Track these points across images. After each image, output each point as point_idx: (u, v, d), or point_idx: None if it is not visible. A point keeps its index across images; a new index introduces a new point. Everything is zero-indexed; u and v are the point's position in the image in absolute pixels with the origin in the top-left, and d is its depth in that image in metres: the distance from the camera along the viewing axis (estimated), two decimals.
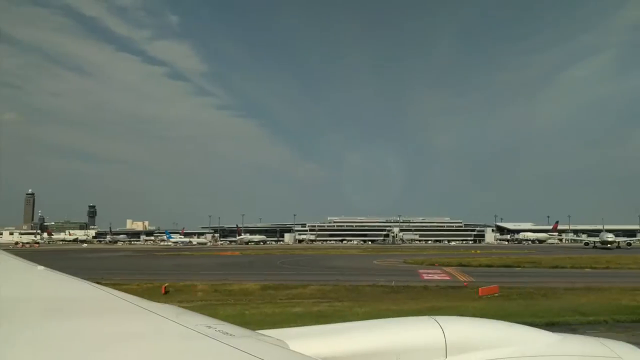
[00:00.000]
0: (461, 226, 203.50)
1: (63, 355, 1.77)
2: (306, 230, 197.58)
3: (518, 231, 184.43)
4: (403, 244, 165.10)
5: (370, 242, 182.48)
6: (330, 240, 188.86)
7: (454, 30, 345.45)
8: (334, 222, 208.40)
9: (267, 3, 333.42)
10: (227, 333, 2.14)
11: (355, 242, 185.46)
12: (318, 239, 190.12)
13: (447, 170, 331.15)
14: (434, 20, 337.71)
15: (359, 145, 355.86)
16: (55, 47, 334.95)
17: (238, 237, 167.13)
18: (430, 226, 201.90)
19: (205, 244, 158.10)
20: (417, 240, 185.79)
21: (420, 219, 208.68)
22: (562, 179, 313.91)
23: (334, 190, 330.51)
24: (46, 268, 4.06)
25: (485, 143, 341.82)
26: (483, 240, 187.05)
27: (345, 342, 2.96)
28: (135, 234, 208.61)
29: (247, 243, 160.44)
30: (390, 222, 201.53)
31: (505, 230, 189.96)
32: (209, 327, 2.27)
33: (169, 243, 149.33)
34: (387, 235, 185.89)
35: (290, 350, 2.39)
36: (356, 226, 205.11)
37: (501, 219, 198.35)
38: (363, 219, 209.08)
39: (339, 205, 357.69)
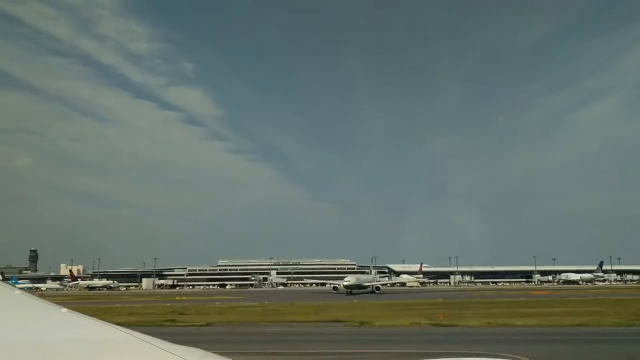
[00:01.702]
0: (353, 268, 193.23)
1: None
2: (181, 275, 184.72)
3: (406, 273, 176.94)
4: (272, 288, 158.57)
5: (249, 286, 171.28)
6: (208, 285, 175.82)
7: (461, 78, 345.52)
8: (219, 265, 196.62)
9: (280, 51, 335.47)
10: None
11: (228, 286, 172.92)
12: (188, 283, 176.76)
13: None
14: (440, 69, 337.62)
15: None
16: (74, 94, 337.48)
17: (72, 283, 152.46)
18: (320, 269, 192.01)
19: (59, 289, 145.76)
20: (290, 283, 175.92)
21: (317, 260, 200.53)
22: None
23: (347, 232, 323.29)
24: (70, 310, 3.94)
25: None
26: None
27: None
28: (57, 279, 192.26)
29: (89, 288, 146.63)
30: (279, 265, 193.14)
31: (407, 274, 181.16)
32: None
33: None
34: (265, 279, 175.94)
35: None
36: (240, 269, 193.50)
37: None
38: (255, 261, 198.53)
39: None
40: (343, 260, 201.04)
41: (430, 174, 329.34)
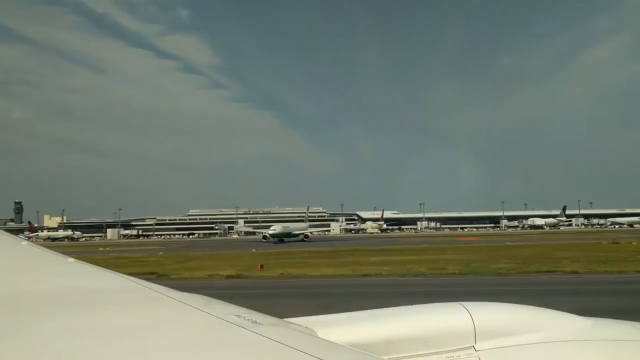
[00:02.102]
0: (323, 216, 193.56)
1: (93, 344, 1.80)
2: (150, 225, 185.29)
3: (372, 220, 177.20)
4: (238, 237, 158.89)
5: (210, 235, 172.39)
6: (175, 235, 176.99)
7: (462, 20, 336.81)
8: (189, 215, 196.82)
9: None
10: (256, 322, 2.11)
11: (192, 236, 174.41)
12: (156, 233, 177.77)
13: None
14: (442, 10, 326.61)
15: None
16: (68, 44, 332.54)
17: (32, 234, 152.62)
18: (290, 217, 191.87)
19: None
20: (258, 232, 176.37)
21: (289, 209, 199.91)
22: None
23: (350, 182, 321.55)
24: (77, 260, 4.13)
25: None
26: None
27: (373, 329, 2.93)
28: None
29: (51, 240, 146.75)
30: (249, 214, 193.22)
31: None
32: (238, 316, 2.25)
33: None
34: (231, 228, 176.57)
35: (319, 338, 2.35)
36: (210, 219, 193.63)
37: (382, 209, 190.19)
38: (226, 210, 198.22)
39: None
40: (315, 208, 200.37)
41: (430, 120, 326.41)
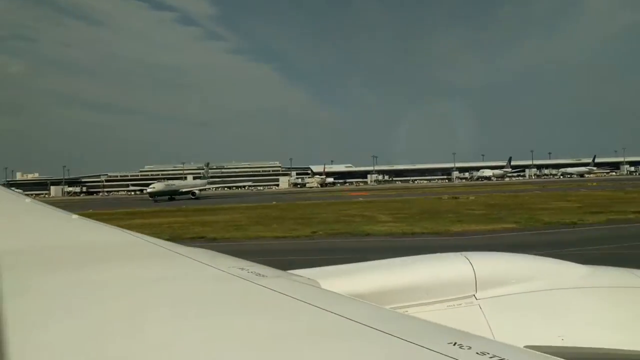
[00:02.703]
0: (278, 171, 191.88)
1: (100, 299, 1.83)
2: (99, 182, 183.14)
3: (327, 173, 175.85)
4: None
5: None
6: (128, 191, 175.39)
7: None
8: (142, 171, 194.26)
9: None
10: (259, 274, 2.15)
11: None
12: (106, 190, 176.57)
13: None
14: None
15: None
16: None
17: None
18: (246, 172, 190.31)
19: None
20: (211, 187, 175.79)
21: (245, 164, 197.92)
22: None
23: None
24: (80, 216, 4.16)
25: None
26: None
27: (376, 279, 2.94)
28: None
29: None
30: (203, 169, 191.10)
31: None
32: (242, 269, 2.28)
33: None
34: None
35: (322, 288, 2.36)
36: (162, 174, 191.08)
37: (332, 161, 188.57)
38: (180, 166, 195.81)
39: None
40: (271, 162, 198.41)
41: (422, 71, 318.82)
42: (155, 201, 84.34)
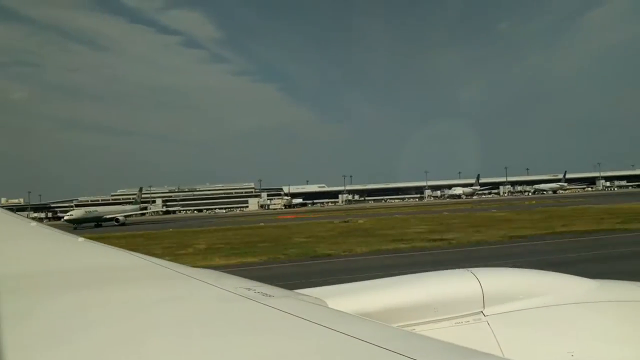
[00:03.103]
0: (251, 192, 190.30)
1: (107, 322, 1.83)
2: (69, 207, 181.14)
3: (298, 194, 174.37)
4: (152, 217, 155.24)
5: None
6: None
7: None
8: (114, 194, 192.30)
9: None
10: (266, 294, 2.14)
11: None
12: None
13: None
14: None
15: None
16: (68, 23, 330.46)
17: None
18: (217, 194, 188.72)
19: None
20: (179, 210, 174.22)
21: (220, 185, 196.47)
22: None
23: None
24: (86, 239, 4.22)
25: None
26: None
27: (383, 298, 2.91)
28: None
29: None
30: (174, 192, 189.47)
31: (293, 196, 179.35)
32: (249, 289, 2.28)
33: None
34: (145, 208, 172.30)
35: (329, 308, 2.35)
36: (132, 198, 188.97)
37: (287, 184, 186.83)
38: (154, 189, 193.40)
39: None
40: (246, 184, 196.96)
41: (424, 90, 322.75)
42: (75, 228, 79.33)
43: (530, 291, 3.03)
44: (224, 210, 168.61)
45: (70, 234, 4.49)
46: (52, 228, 4.82)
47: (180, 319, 1.84)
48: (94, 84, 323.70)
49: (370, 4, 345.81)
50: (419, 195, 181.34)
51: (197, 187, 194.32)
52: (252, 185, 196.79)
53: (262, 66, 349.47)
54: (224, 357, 1.40)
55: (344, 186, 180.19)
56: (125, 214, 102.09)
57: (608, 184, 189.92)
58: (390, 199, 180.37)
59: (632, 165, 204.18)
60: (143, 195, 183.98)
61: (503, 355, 2.68)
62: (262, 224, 62.45)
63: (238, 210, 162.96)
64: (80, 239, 4.19)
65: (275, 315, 1.82)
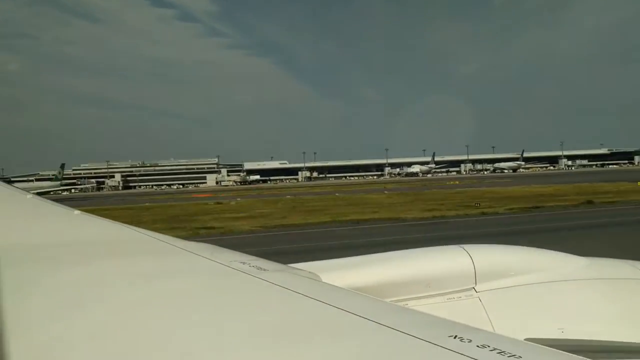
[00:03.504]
0: (213, 168, 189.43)
1: (103, 294, 1.83)
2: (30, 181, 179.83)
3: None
4: (110, 192, 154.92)
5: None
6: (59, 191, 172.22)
7: None
8: (76, 169, 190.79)
9: None
10: (261, 268, 2.16)
11: (66, 192, 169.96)
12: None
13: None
14: None
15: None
16: None
17: None
18: (178, 169, 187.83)
19: None
20: (139, 185, 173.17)
21: (184, 161, 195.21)
22: None
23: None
24: (82, 212, 4.23)
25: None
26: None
27: (376, 273, 2.96)
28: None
29: None
30: (136, 167, 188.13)
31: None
32: (244, 263, 2.29)
33: None
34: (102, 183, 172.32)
35: (322, 282, 2.36)
36: (95, 173, 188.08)
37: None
38: (116, 164, 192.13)
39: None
40: (209, 159, 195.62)
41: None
42: None
43: (521, 268, 3.08)
44: (181, 186, 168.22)
45: (66, 207, 4.49)
46: (47, 200, 4.81)
47: (174, 292, 1.83)
48: (89, 56, 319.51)
49: None
50: (379, 173, 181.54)
51: (160, 162, 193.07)
52: (216, 161, 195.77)
53: (258, 39, 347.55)
54: (218, 330, 1.41)
55: (304, 163, 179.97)
56: (39, 190, 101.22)
57: (570, 162, 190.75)
58: (350, 176, 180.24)
59: (601, 144, 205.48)
60: (100, 170, 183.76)
61: (494, 330, 2.71)
62: (147, 204, 62.05)
63: (192, 187, 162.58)
64: (76, 212, 4.20)
65: (269, 289, 1.82)
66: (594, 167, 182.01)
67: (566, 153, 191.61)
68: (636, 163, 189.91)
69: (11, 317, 1.54)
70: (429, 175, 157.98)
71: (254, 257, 2.46)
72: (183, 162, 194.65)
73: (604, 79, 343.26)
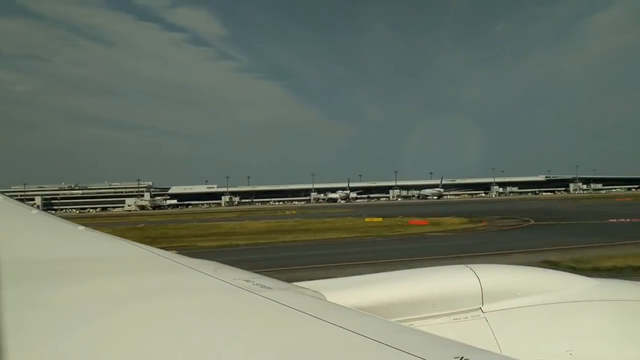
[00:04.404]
0: (142, 191, 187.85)
1: (107, 311, 1.82)
2: None
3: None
4: None
5: None
6: None
7: None
8: (6, 190, 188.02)
9: None
10: (264, 286, 2.14)
11: None
12: None
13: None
14: None
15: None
16: (78, 18, 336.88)
17: None
18: (105, 193, 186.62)
19: None
20: (62, 209, 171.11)
21: (116, 184, 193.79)
22: None
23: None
24: (86, 228, 4.26)
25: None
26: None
27: (382, 292, 2.91)
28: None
29: None
30: (65, 190, 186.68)
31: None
32: (247, 280, 2.27)
33: None
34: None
35: (327, 301, 2.34)
36: (20, 195, 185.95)
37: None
38: (48, 187, 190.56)
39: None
40: (138, 182, 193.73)
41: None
42: None
43: (529, 288, 3.01)
44: (101, 210, 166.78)
45: (71, 223, 4.47)
46: (53, 216, 4.88)
47: (178, 310, 1.82)
48: (101, 78, 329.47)
49: (375, 4, 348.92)
50: (307, 198, 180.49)
51: (91, 185, 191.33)
52: (144, 183, 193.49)
53: (267, 63, 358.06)
54: (222, 349, 1.39)
55: (227, 187, 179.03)
56: None
57: (501, 189, 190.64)
58: (276, 201, 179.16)
59: (548, 171, 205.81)
60: (27, 193, 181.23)
61: (501, 352, 2.67)
62: None
63: (112, 211, 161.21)
64: (81, 228, 4.18)
65: (273, 308, 1.80)
66: (529, 194, 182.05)
67: (500, 180, 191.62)
68: (572, 191, 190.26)
69: (14, 332, 1.52)
70: (353, 202, 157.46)
71: (257, 275, 2.43)
72: (114, 185, 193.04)
73: (553, 107, 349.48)
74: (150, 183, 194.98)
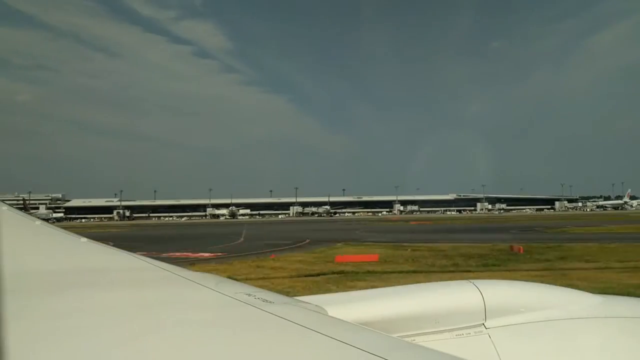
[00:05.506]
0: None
1: (108, 323, 1.83)
2: None
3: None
4: None
5: None
6: None
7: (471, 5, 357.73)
8: None
9: None
10: (266, 300, 2.13)
11: None
12: None
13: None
14: None
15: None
16: (86, 30, 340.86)
17: None
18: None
19: None
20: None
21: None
22: None
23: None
24: (89, 240, 4.30)
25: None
26: None
27: (384, 307, 2.88)
28: None
29: None
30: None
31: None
32: (249, 294, 2.26)
33: None
34: None
35: (329, 316, 2.33)
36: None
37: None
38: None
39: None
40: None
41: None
42: None
43: (533, 304, 2.98)
44: None
45: (74, 235, 4.51)
46: (56, 227, 4.86)
47: (179, 324, 1.82)
48: (107, 89, 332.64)
49: (378, 18, 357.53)
50: (203, 214, 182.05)
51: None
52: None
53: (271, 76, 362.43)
54: None
55: (121, 202, 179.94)
56: None
57: (402, 208, 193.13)
58: (177, 216, 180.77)
59: (472, 189, 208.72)
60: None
61: None
62: None
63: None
64: (84, 239, 4.23)
65: (274, 322, 1.80)
66: (437, 212, 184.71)
67: (403, 198, 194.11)
68: (478, 210, 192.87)
69: (17, 343, 1.54)
70: (325, 216, 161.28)
71: (259, 289, 2.43)
72: (19, 197, 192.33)
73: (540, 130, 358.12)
74: (60, 195, 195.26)
